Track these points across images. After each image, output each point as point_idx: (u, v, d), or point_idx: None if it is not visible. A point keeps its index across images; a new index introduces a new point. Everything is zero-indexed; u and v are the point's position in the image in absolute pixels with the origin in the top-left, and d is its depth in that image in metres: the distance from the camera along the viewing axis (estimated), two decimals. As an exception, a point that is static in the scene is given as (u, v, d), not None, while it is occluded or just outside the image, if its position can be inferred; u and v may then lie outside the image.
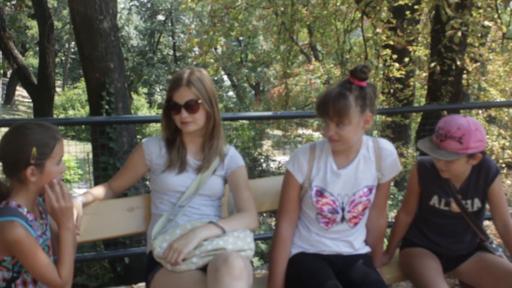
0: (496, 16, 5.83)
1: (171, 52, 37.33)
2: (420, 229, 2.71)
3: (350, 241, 2.43)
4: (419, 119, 7.71)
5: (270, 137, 17.66)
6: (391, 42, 7.25)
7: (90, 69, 5.24)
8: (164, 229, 2.29)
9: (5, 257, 1.89)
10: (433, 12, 7.06)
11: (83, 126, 16.43)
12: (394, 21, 7.21)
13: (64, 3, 26.89)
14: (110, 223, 2.47)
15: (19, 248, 1.82)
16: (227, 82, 33.23)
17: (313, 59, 17.85)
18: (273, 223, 7.07)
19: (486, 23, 5.62)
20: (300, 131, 15.03)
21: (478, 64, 7.47)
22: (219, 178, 2.43)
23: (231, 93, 32.57)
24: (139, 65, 29.12)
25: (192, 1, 11.87)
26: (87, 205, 2.35)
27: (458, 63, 6.34)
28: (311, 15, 11.05)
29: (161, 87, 34.30)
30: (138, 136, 8.24)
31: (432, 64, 6.57)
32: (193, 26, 32.42)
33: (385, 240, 2.87)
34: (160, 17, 36.82)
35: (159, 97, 33.86)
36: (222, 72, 28.28)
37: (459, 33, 4.95)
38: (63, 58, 36.01)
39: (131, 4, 38.11)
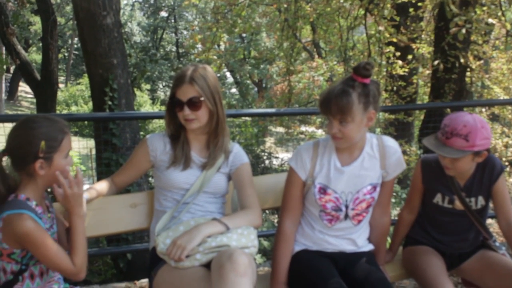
0: (500, 13, 5.82)
1: (174, 49, 37.36)
2: (424, 227, 2.70)
3: (353, 238, 2.43)
4: (422, 117, 7.70)
5: (273, 134, 17.68)
6: (395, 40, 7.23)
7: (93, 65, 5.25)
8: (168, 226, 2.29)
9: (14, 249, 1.89)
10: (437, 9, 7.04)
11: (86, 122, 16.45)
12: (397, 18, 7.21)
13: (67, -1, 26.90)
14: (113, 219, 2.47)
15: (30, 240, 1.83)
16: (230, 79, 33.26)
17: (316, 56, 17.84)
18: (275, 220, 7.08)
19: (490, 20, 5.60)
20: (303, 128, 15.05)
21: (482, 62, 7.45)
22: (223, 175, 2.42)
23: (234, 90, 32.60)
24: (142, 61, 29.11)
25: (196, -3, 11.87)
26: (91, 201, 2.35)
27: (462, 60, 6.32)
28: (315, 12, 11.04)
29: (164, 84, 34.33)
30: (141, 132, 8.25)
31: (436, 62, 6.55)
32: (196, 22, 32.45)
33: (388, 238, 2.87)
34: (163, 14, 36.85)
35: (162, 94, 33.89)
36: (225, 69, 28.28)
37: (463, 31, 4.93)
38: (66, 54, 36.04)
39: (134, 0, 38.12)
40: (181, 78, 2.26)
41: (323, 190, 2.34)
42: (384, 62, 7.95)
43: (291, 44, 11.52)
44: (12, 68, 26.85)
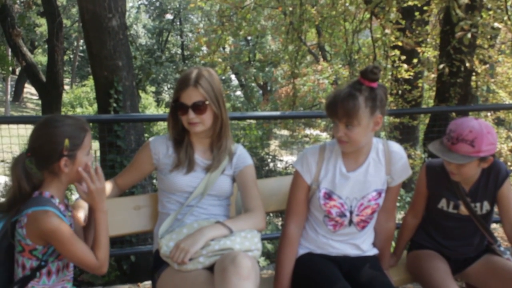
0: (506, 18, 5.79)
1: (179, 51, 37.42)
2: (428, 231, 2.69)
3: (358, 244, 2.42)
4: (427, 121, 7.66)
5: (277, 137, 17.67)
6: (400, 43, 7.22)
7: (98, 67, 5.26)
8: (171, 228, 2.29)
9: (37, 246, 1.92)
10: (442, 13, 7.02)
11: (90, 124, 16.41)
12: (403, 22, 7.20)
13: (73, 1, 27.02)
14: (116, 221, 2.46)
15: (56, 236, 1.87)
16: (235, 82, 33.25)
17: (321, 59, 17.83)
18: (279, 223, 7.07)
19: (496, 24, 5.58)
20: (308, 131, 15.03)
21: (487, 66, 7.43)
22: (227, 177, 2.42)
23: (238, 93, 32.59)
24: (147, 63, 29.10)
25: (201, 0, 11.88)
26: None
27: (467, 64, 6.29)
28: (320, 15, 11.05)
29: (169, 86, 34.35)
30: (146, 135, 8.25)
31: (441, 66, 6.53)
32: (201, 25, 32.50)
33: (392, 243, 2.86)
34: (169, 16, 36.91)
35: (167, 96, 33.91)
36: (230, 72, 28.27)
37: (469, 35, 4.91)
38: (71, 56, 36.18)
39: (139, 2, 38.23)
40: (186, 81, 2.25)
41: (328, 196, 2.33)
42: (389, 66, 7.93)
43: (296, 47, 11.51)
44: (17, 70, 26.94)
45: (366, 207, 2.34)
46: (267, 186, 2.80)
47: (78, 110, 24.35)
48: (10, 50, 12.36)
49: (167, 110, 2.44)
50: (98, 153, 5.44)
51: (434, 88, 7.83)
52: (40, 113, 15.40)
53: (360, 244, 2.42)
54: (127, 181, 2.52)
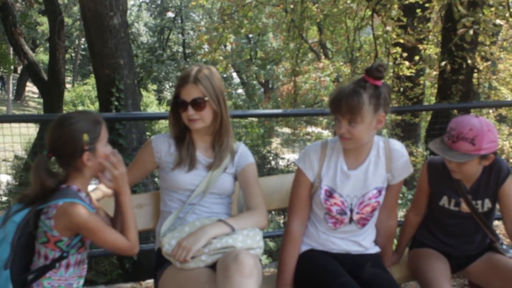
0: (507, 14, 5.79)
1: (180, 49, 37.45)
2: (430, 229, 2.69)
3: (359, 241, 2.42)
4: (429, 118, 7.67)
5: (279, 135, 17.67)
6: (401, 40, 7.21)
7: (100, 66, 5.25)
8: (173, 227, 2.29)
9: (63, 237, 1.94)
10: (444, 10, 7.02)
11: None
12: (404, 19, 7.18)
13: (75, -1, 27.02)
14: (119, 219, 2.46)
15: (88, 227, 1.91)
16: (236, 80, 33.31)
17: (323, 57, 17.84)
18: (281, 221, 7.06)
19: (498, 21, 5.58)
20: (309, 129, 15.04)
21: (489, 63, 7.40)
22: (229, 175, 2.41)
23: (240, 91, 32.64)
24: (149, 62, 29.19)
25: (202, -2, 11.89)
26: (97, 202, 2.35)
27: (469, 61, 6.29)
28: (321, 13, 11.04)
29: (170, 84, 34.40)
30: (148, 133, 8.25)
31: (443, 63, 6.53)
32: (202, 23, 32.51)
33: (394, 240, 2.86)
34: (170, 14, 36.94)
35: (168, 94, 33.97)
36: (231, 70, 28.34)
37: (471, 32, 4.91)
38: (73, 54, 36.22)
39: (141, 1, 38.27)
40: (185, 78, 2.26)
41: (329, 193, 2.33)
42: (391, 63, 7.93)
43: (297, 45, 11.52)
44: (19, 68, 26.99)
45: (366, 205, 2.34)
46: (269, 184, 2.80)
47: (80, 108, 24.38)
48: (11, 48, 12.37)
49: (169, 108, 2.44)
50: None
51: (436, 85, 7.84)
52: (42, 111, 15.40)
53: (361, 241, 2.42)
54: (129, 179, 2.50)
